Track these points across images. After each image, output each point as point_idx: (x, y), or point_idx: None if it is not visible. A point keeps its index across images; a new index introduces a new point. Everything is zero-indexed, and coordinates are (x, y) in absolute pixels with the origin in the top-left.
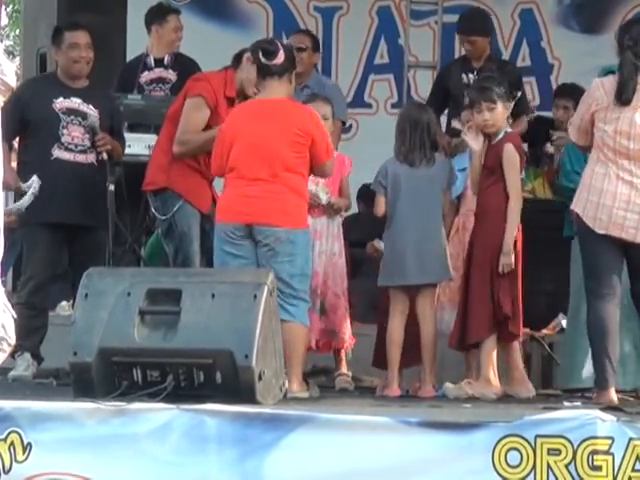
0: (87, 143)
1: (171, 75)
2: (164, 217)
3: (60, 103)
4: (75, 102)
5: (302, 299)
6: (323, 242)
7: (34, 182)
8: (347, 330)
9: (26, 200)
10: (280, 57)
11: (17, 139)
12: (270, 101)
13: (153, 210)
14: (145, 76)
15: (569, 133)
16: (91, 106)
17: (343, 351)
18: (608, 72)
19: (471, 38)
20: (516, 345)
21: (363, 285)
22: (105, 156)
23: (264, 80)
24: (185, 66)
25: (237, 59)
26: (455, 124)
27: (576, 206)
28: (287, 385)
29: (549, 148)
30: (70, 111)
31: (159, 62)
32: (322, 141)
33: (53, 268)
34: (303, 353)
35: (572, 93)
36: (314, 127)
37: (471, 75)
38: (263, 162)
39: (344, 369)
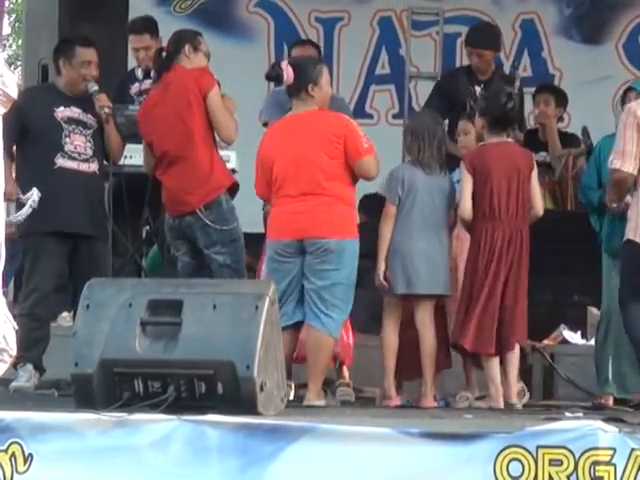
0: (89, 152)
1: None
2: (227, 227)
3: (62, 112)
4: (75, 112)
5: (340, 310)
6: None
7: (33, 194)
8: (343, 338)
9: (24, 212)
10: (289, 77)
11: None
12: (300, 116)
13: (209, 222)
14: (135, 88)
15: (622, 167)
16: (90, 115)
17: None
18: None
19: (481, 51)
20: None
21: (364, 296)
22: (106, 111)
23: (291, 98)
24: None
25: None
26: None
27: (637, 236)
28: (306, 393)
29: (546, 157)
30: (71, 120)
31: (148, 74)
32: (353, 140)
33: (57, 279)
34: (325, 364)
35: (552, 89)
36: (345, 129)
37: (477, 88)
38: (306, 177)
39: (346, 380)
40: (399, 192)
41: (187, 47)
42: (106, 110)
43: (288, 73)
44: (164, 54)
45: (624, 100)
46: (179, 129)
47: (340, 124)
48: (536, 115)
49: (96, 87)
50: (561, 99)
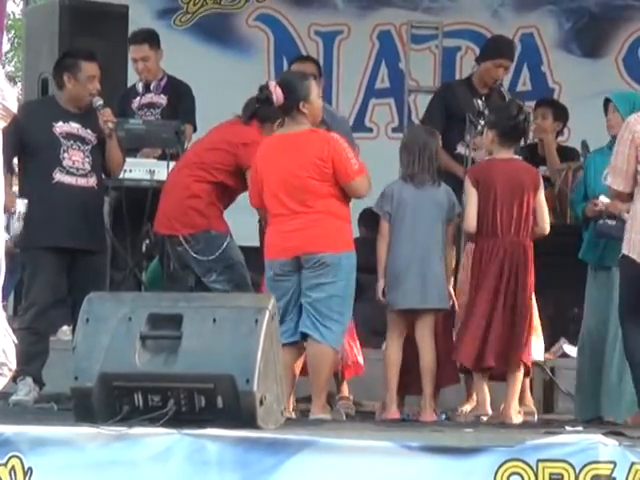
0: (87, 167)
1: (162, 100)
2: (213, 256)
3: (60, 127)
4: (74, 127)
5: (338, 322)
6: None
7: (18, 204)
8: (349, 352)
9: (15, 226)
10: (279, 98)
11: (16, 162)
12: (291, 135)
13: (193, 254)
14: (137, 101)
15: (612, 183)
16: (89, 130)
17: (342, 374)
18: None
19: (509, 62)
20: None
21: (364, 310)
22: (110, 126)
23: (283, 116)
24: (175, 91)
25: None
26: (461, 150)
27: (630, 251)
28: (311, 408)
29: (545, 172)
30: (70, 136)
31: (149, 87)
32: (341, 162)
33: (55, 293)
34: (328, 377)
35: (551, 103)
36: (333, 151)
37: (480, 101)
38: (295, 197)
39: (345, 393)
40: (388, 209)
41: (301, 104)
42: (109, 125)
43: (277, 94)
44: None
45: (605, 111)
46: (191, 157)
47: (326, 147)
48: (534, 129)
49: (101, 101)
50: (560, 113)
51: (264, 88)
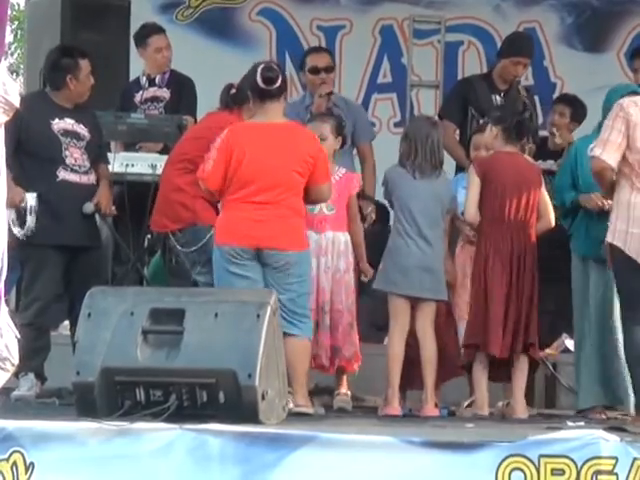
0: (87, 164)
1: (165, 93)
2: (195, 247)
3: (57, 124)
4: (69, 123)
5: (307, 316)
6: (329, 258)
7: (29, 200)
8: (351, 347)
9: (30, 221)
10: (279, 81)
11: None
12: (276, 125)
13: (180, 247)
14: (140, 95)
15: (601, 155)
16: (82, 125)
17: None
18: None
19: (529, 60)
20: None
21: (366, 305)
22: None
23: (263, 103)
24: (179, 84)
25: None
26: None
27: (615, 239)
28: (291, 400)
29: (552, 166)
30: (67, 132)
31: (152, 81)
32: (323, 164)
33: (57, 288)
34: (308, 368)
35: (571, 102)
36: (318, 151)
37: (498, 97)
38: (274, 186)
39: (344, 389)
40: (390, 197)
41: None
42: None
43: (280, 76)
44: (233, 91)
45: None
46: (176, 152)
47: (315, 145)
48: (549, 124)
49: (92, 208)
50: (578, 113)
51: (272, 68)
